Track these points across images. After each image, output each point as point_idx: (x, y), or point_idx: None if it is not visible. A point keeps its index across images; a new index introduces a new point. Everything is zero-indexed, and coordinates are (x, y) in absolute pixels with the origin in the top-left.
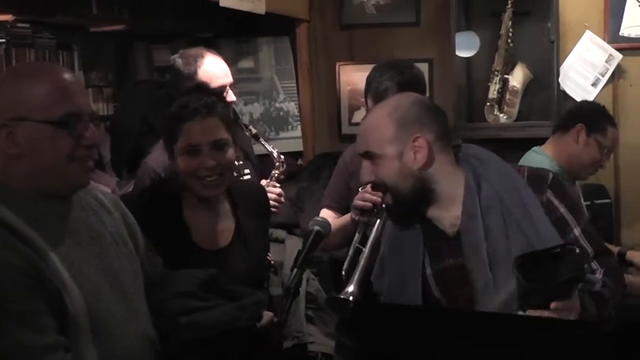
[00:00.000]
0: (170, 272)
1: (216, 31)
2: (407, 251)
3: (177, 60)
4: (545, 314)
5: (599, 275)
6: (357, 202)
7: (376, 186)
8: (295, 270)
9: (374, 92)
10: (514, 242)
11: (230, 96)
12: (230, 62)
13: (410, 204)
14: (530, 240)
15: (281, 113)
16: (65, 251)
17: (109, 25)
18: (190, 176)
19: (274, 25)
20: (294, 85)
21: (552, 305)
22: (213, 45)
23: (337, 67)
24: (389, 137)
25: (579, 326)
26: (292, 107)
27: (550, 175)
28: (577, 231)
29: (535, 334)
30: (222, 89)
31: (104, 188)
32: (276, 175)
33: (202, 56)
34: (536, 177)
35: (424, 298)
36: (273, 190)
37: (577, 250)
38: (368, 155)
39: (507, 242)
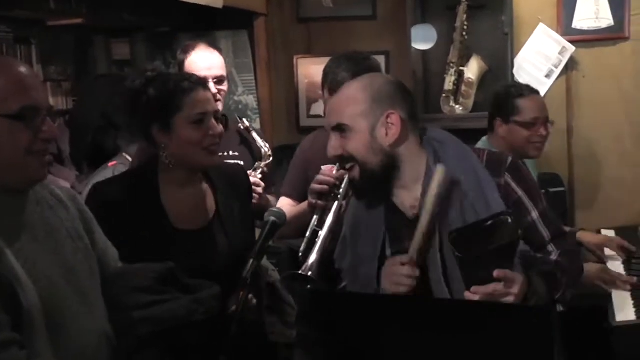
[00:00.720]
0: (126, 267)
1: (175, 25)
2: (369, 232)
3: (179, 50)
4: (491, 287)
5: (554, 257)
6: (314, 185)
7: (344, 160)
8: (252, 260)
9: (331, 83)
10: (468, 223)
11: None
12: None
13: (377, 180)
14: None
15: (240, 106)
16: (20, 246)
17: (67, 19)
18: (195, 146)
19: (232, 19)
20: (253, 78)
21: (495, 273)
22: (171, 39)
23: (295, 60)
24: (363, 111)
25: (526, 310)
26: (250, 100)
27: (509, 159)
28: (534, 214)
29: (484, 318)
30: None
31: (63, 182)
32: (261, 167)
33: (194, 48)
34: (495, 161)
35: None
36: (252, 179)
37: (510, 220)
38: (339, 128)
39: (462, 224)
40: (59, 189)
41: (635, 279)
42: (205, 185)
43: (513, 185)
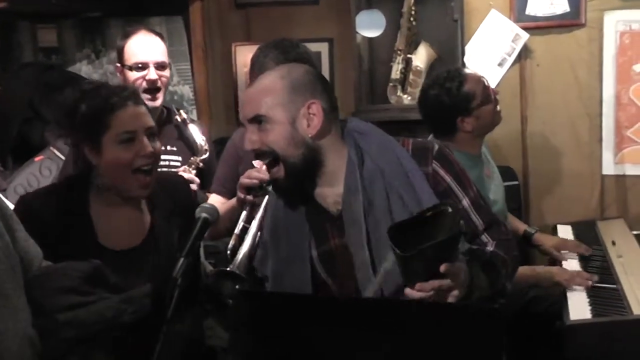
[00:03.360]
0: (51, 266)
1: (105, 10)
2: (291, 234)
3: (118, 36)
4: (436, 282)
5: (490, 247)
6: (243, 179)
7: (263, 154)
8: (182, 259)
9: (257, 73)
10: (397, 216)
11: (150, 74)
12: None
13: (300, 174)
14: (413, 213)
15: (175, 97)
16: None
17: None
18: (124, 169)
19: (166, 4)
20: (188, 67)
21: (442, 268)
22: (101, 25)
23: (233, 47)
24: (282, 101)
25: (468, 309)
26: (186, 90)
27: (436, 147)
28: (465, 202)
29: (423, 318)
30: (142, 65)
31: None
32: (197, 162)
33: (134, 33)
34: (421, 149)
35: (311, 281)
36: (183, 174)
37: (450, 210)
38: (256, 120)
39: (391, 217)
40: None
41: (596, 276)
42: (141, 201)
43: (441, 173)
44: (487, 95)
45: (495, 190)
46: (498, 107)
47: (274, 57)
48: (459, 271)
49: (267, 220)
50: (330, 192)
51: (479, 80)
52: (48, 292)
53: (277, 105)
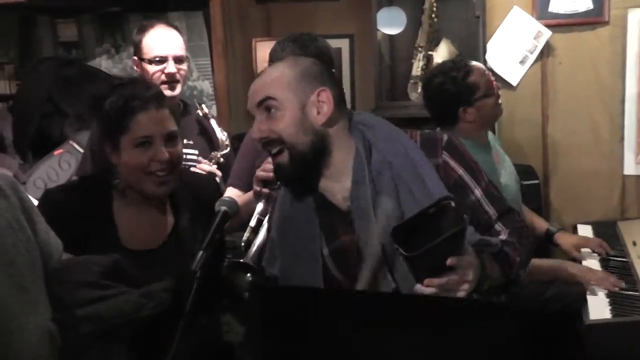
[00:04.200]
0: (71, 259)
1: (125, 5)
2: (302, 231)
3: (135, 30)
4: (445, 278)
5: (503, 236)
6: (260, 172)
7: (271, 142)
8: (201, 252)
9: None
10: (406, 208)
11: (169, 67)
12: None
13: (306, 162)
14: (422, 205)
15: (195, 92)
16: None
17: None
18: (139, 171)
19: None
20: (208, 63)
21: (448, 262)
22: (121, 20)
23: (253, 43)
24: (292, 87)
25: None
26: (206, 85)
27: (445, 137)
28: (478, 192)
29: (434, 313)
30: (161, 59)
31: (5, 171)
32: (217, 157)
33: (152, 26)
34: (429, 140)
35: (323, 278)
36: (204, 167)
37: (452, 204)
38: (265, 105)
39: (400, 210)
40: None
41: (623, 283)
42: (165, 199)
43: (452, 163)
44: (490, 88)
45: (506, 175)
46: (500, 101)
47: (292, 51)
48: (468, 264)
49: (275, 218)
50: (339, 187)
51: (483, 72)
52: (68, 285)
53: (287, 91)
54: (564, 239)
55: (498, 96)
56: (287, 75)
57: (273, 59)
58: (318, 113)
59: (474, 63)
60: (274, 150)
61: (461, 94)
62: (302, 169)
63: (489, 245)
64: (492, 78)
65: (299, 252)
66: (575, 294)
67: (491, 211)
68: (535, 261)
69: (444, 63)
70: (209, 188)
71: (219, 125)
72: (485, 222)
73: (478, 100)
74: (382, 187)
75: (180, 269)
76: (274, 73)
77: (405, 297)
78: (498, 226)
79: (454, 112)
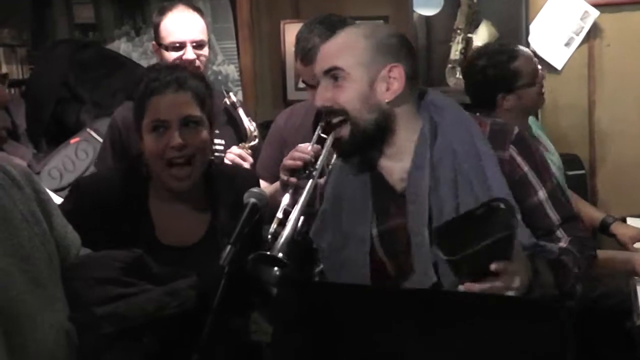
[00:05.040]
0: (89, 255)
1: None
2: (354, 208)
3: (155, 12)
4: (487, 284)
5: (563, 244)
6: (287, 161)
7: (332, 113)
8: (229, 246)
9: (302, 51)
10: (462, 201)
11: (188, 54)
12: None
13: (368, 141)
14: (479, 199)
15: (219, 77)
16: None
17: None
18: (157, 159)
19: None
20: (234, 46)
21: (493, 267)
22: (141, 1)
23: (281, 25)
24: (363, 59)
25: (534, 306)
26: (231, 70)
27: (515, 130)
28: (542, 194)
29: (487, 313)
30: (179, 45)
31: (19, 161)
32: (245, 148)
33: (170, 9)
34: (499, 132)
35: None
36: (235, 150)
37: (502, 206)
38: (332, 74)
39: (456, 201)
40: (11, 166)
41: None
42: (202, 194)
43: (518, 159)
44: (534, 77)
45: (550, 165)
46: (543, 90)
47: (319, 34)
48: (515, 271)
49: (328, 191)
50: (398, 167)
51: (530, 60)
52: (86, 282)
53: (357, 62)
54: (621, 230)
55: (542, 86)
56: (361, 46)
57: (300, 40)
58: (387, 90)
59: (522, 49)
60: (335, 121)
61: (502, 79)
62: (362, 145)
63: (545, 251)
64: (539, 67)
65: (348, 230)
66: (625, 293)
67: (554, 216)
68: (609, 252)
69: (489, 45)
70: (245, 179)
71: (246, 113)
72: (545, 227)
73: (520, 88)
74: (441, 175)
75: (216, 267)
76: (348, 40)
77: (444, 294)
78: (560, 233)
79: (492, 98)
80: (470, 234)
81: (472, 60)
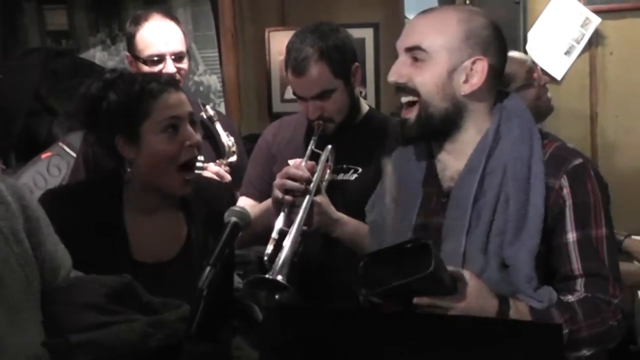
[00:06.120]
0: (77, 278)
1: None
2: (404, 200)
3: (128, 21)
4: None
5: (571, 297)
6: (283, 180)
7: (404, 90)
8: (208, 268)
9: (293, 62)
10: (497, 219)
11: (168, 67)
12: None
13: (434, 130)
14: (509, 223)
15: (201, 88)
16: None
17: None
18: (166, 163)
19: None
20: (216, 55)
21: (415, 300)
22: (117, 7)
23: (266, 33)
24: (451, 45)
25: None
26: (214, 80)
27: (576, 162)
28: (571, 236)
29: (487, 334)
30: (158, 58)
31: None
32: (223, 164)
33: (146, 19)
34: (558, 157)
35: None
36: (212, 168)
37: (430, 246)
38: (414, 52)
39: (491, 218)
40: (1, 183)
41: None
42: (177, 209)
43: (565, 192)
44: (530, 79)
45: None
46: (549, 94)
47: (310, 43)
48: (452, 304)
49: (388, 172)
50: (453, 165)
51: (522, 62)
52: (68, 308)
53: (443, 46)
54: (636, 246)
55: (543, 89)
56: (451, 30)
57: (291, 51)
58: (465, 82)
59: (513, 53)
60: (406, 100)
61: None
62: (426, 133)
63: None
64: (535, 68)
65: (395, 217)
66: (629, 314)
67: (576, 264)
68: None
69: None
70: (220, 193)
71: (228, 125)
72: (564, 272)
73: (514, 92)
74: (488, 187)
75: (192, 284)
76: (440, 20)
77: (442, 317)
78: (579, 285)
79: None
80: (394, 268)
81: None
